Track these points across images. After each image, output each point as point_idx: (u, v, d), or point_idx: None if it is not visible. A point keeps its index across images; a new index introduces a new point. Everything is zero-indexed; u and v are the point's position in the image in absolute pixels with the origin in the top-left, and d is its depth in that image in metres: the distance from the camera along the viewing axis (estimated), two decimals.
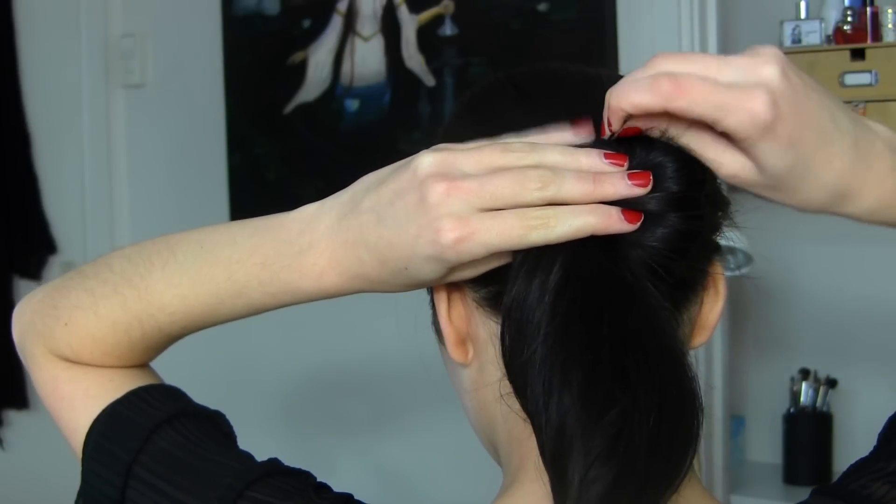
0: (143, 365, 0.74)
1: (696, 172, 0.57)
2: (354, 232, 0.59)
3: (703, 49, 1.83)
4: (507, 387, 0.56)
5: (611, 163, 0.56)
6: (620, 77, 0.63)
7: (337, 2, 2.15)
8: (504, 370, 0.56)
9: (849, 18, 1.87)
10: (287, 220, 0.64)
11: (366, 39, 2.13)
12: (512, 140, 0.58)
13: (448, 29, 2.03)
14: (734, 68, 0.53)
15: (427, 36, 2.05)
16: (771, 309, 2.20)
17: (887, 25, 1.83)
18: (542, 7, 1.92)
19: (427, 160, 0.56)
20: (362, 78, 2.13)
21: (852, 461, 0.66)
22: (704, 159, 0.56)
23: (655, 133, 0.56)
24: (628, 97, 0.54)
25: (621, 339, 0.53)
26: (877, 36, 1.84)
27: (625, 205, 0.55)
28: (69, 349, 0.72)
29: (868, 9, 1.84)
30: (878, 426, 0.67)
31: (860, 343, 2.08)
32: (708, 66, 0.54)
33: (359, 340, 2.08)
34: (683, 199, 0.56)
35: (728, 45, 1.96)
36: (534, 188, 0.55)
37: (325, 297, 0.63)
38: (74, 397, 0.72)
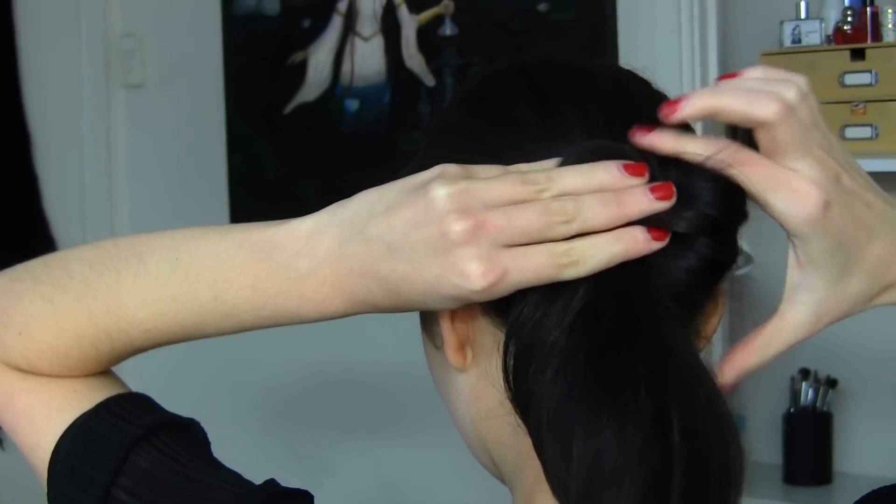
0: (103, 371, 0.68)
1: (733, 195, 0.57)
2: (361, 260, 0.56)
3: (704, 49, 1.83)
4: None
5: (630, 175, 0.54)
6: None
7: (337, 2, 2.15)
8: (508, 389, 0.54)
9: (849, 18, 1.87)
10: (278, 238, 0.59)
11: (366, 39, 2.12)
12: (527, 168, 0.56)
13: (448, 29, 2.03)
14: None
15: (427, 36, 2.05)
16: (771, 309, 2.19)
17: (887, 25, 1.83)
18: (542, 7, 1.92)
19: (443, 192, 0.53)
20: (362, 78, 2.13)
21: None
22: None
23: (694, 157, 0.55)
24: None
25: (659, 372, 0.51)
26: (877, 36, 1.83)
27: (650, 222, 0.54)
28: (24, 361, 0.65)
29: (868, 9, 1.84)
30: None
31: (860, 343, 2.08)
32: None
33: (358, 339, 2.08)
34: (718, 223, 0.56)
35: (728, 45, 1.96)
36: (559, 221, 0.53)
37: (327, 319, 0.59)
38: (34, 411, 0.65)
